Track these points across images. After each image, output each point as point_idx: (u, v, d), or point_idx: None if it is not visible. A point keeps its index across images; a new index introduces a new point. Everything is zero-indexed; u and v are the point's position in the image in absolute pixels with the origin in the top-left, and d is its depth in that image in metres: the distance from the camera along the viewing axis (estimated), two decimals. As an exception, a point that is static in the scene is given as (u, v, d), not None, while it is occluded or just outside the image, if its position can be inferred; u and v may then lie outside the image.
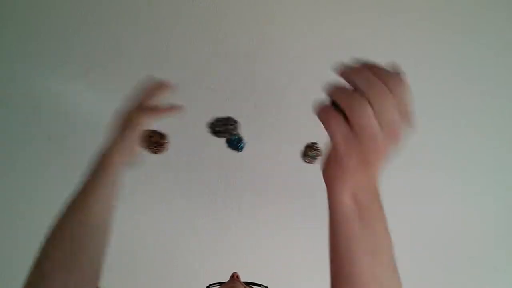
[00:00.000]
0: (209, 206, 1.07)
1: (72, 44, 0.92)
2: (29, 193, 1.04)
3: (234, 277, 0.68)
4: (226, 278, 0.74)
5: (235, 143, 0.55)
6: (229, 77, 0.94)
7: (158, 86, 0.61)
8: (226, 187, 1.05)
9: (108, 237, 0.52)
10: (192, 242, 1.11)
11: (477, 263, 1.09)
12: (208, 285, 0.71)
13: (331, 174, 0.35)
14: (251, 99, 0.96)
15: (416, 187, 1.02)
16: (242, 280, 0.72)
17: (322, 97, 0.35)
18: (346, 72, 0.32)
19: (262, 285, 0.72)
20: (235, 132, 0.52)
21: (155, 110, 0.59)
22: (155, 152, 0.60)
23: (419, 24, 0.88)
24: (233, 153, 1.01)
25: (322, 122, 0.33)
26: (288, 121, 0.97)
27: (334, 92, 0.32)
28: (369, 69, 0.32)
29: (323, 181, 0.37)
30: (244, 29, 0.90)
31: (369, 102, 0.30)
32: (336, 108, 0.32)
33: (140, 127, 0.57)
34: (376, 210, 0.35)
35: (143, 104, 0.59)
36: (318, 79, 0.95)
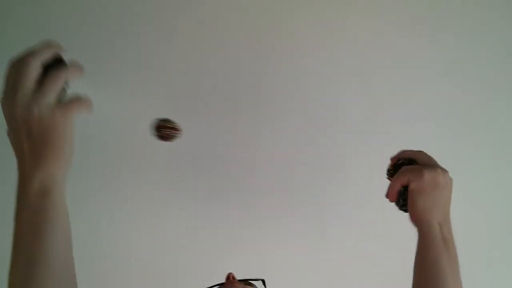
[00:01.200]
0: (210, 206, 1.07)
1: (74, 45, 0.92)
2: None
3: (230, 278, 0.69)
4: (225, 278, 0.74)
5: None
6: (230, 77, 0.94)
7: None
8: (226, 187, 1.05)
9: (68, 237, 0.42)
10: (191, 242, 1.11)
11: (477, 263, 1.09)
12: None
13: (424, 207, 0.50)
14: (251, 99, 0.96)
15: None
16: (238, 278, 0.72)
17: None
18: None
19: (258, 279, 0.72)
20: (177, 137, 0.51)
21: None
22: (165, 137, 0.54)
23: (419, 24, 0.88)
24: (233, 153, 1.01)
25: (407, 175, 0.51)
26: (289, 121, 0.97)
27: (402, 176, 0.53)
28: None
29: (412, 218, 0.52)
30: (245, 29, 0.90)
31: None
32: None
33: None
34: (452, 238, 0.50)
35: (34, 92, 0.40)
36: (319, 79, 0.96)
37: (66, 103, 0.39)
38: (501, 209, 1.04)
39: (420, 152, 0.54)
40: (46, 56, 0.38)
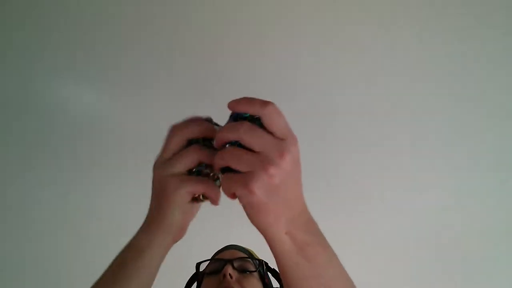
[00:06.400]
0: (210, 206, 1.07)
1: (79, 48, 0.92)
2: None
3: (227, 276, 0.65)
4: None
5: None
6: (230, 77, 0.94)
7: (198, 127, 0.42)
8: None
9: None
10: (192, 242, 1.11)
11: (477, 263, 1.09)
12: (198, 262, 0.69)
13: (263, 224, 0.35)
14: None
15: (415, 187, 1.02)
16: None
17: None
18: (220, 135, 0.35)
19: (257, 265, 0.68)
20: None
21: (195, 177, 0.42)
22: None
23: (419, 24, 0.88)
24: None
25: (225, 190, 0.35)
26: (289, 121, 0.97)
27: (221, 134, 0.35)
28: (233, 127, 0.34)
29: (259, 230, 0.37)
30: (246, 29, 0.90)
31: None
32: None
33: (187, 200, 0.42)
34: (315, 238, 0.36)
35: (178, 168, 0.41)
36: (318, 79, 0.95)
37: (192, 179, 0.40)
38: (502, 209, 1.04)
39: (248, 126, 0.33)
40: (192, 132, 0.40)
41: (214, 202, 0.43)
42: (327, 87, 0.93)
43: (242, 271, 0.66)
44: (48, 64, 0.94)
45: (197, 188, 0.40)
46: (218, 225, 1.07)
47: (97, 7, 0.88)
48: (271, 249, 0.36)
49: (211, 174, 0.43)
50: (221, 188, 0.38)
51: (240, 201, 0.34)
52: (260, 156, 0.31)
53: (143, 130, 0.98)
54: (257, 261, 0.69)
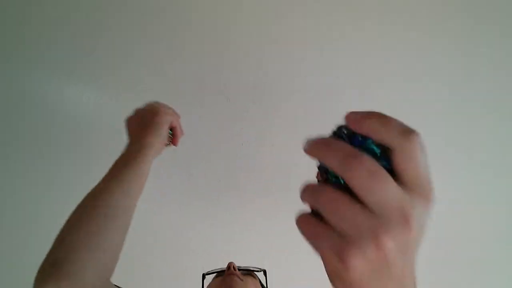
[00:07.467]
0: (210, 206, 1.07)
1: (79, 49, 0.92)
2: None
3: (231, 268, 0.69)
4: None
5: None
6: (230, 77, 0.94)
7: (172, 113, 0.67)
8: (227, 186, 1.05)
9: (128, 227, 0.52)
10: (192, 242, 1.11)
11: (477, 263, 1.09)
12: (204, 273, 0.72)
13: None
14: (252, 99, 0.96)
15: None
16: (238, 265, 0.72)
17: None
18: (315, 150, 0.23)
19: (260, 269, 0.72)
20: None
21: (176, 116, 0.67)
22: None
23: (419, 24, 0.88)
24: (234, 153, 1.01)
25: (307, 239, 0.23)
26: (289, 122, 0.97)
27: (320, 153, 0.23)
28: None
29: None
30: (246, 27, 0.90)
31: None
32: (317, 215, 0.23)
33: (168, 127, 0.64)
34: None
35: (163, 106, 0.66)
36: (319, 79, 0.96)
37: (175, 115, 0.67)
38: (502, 209, 1.04)
39: (358, 165, 0.20)
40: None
41: (176, 142, 0.66)
42: (327, 87, 0.93)
43: (245, 273, 0.68)
44: (48, 64, 0.94)
45: (176, 120, 0.65)
46: (221, 237, 1.08)
47: (97, 6, 0.89)
48: None
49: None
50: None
51: (325, 265, 0.23)
52: (374, 217, 0.20)
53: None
54: (259, 269, 0.71)
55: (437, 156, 1.00)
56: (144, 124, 0.61)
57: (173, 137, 0.67)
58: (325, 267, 0.23)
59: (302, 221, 0.24)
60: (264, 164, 1.02)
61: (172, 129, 0.66)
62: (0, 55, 0.94)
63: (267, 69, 0.93)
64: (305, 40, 0.90)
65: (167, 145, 0.67)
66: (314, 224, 0.22)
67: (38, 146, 1.02)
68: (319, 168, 0.24)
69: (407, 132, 0.21)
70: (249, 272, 0.71)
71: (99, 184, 0.53)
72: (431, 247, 1.07)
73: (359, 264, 0.20)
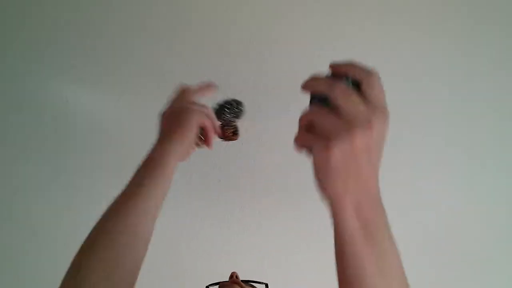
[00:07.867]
0: (210, 206, 1.07)
1: (79, 49, 0.92)
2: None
3: (233, 277, 0.68)
4: (225, 278, 0.74)
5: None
6: (230, 77, 0.94)
7: (204, 88, 0.64)
8: (227, 186, 1.05)
9: (148, 244, 0.51)
10: (192, 243, 1.11)
11: (476, 263, 1.09)
12: (207, 285, 0.71)
13: (331, 187, 0.32)
14: (252, 99, 0.96)
15: (415, 186, 1.02)
16: (241, 278, 0.72)
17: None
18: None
19: (262, 282, 0.71)
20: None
21: (206, 109, 0.61)
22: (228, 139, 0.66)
23: (419, 24, 0.88)
24: (234, 153, 1.01)
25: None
26: (289, 121, 0.97)
27: (314, 84, 0.35)
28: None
29: (322, 197, 0.34)
30: (246, 27, 0.90)
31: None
32: (317, 103, 0.34)
33: (197, 128, 0.57)
34: (381, 225, 0.33)
35: (194, 103, 0.60)
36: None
37: (210, 114, 0.61)
38: (502, 209, 1.04)
39: (342, 87, 0.32)
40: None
41: (209, 144, 0.61)
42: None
43: (246, 284, 0.68)
44: (48, 64, 0.94)
45: (207, 119, 0.58)
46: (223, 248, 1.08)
47: (97, 6, 0.88)
48: (332, 220, 0.34)
49: (233, 125, 0.63)
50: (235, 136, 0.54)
51: (313, 158, 0.33)
52: (348, 120, 0.30)
53: (143, 130, 0.98)
54: (261, 282, 0.72)
55: (437, 156, 1.00)
56: (171, 123, 0.56)
57: (205, 138, 0.61)
58: (314, 160, 0.33)
59: (301, 136, 0.35)
60: (264, 164, 1.02)
61: (203, 129, 0.59)
62: (0, 55, 0.94)
63: (267, 69, 0.93)
64: (305, 40, 0.90)
65: (198, 146, 0.61)
66: (307, 135, 0.34)
67: (38, 146, 1.02)
68: (311, 100, 0.37)
69: (371, 70, 0.33)
70: (250, 285, 0.71)
71: (119, 199, 0.51)
72: (432, 247, 1.08)
73: (337, 152, 0.30)
